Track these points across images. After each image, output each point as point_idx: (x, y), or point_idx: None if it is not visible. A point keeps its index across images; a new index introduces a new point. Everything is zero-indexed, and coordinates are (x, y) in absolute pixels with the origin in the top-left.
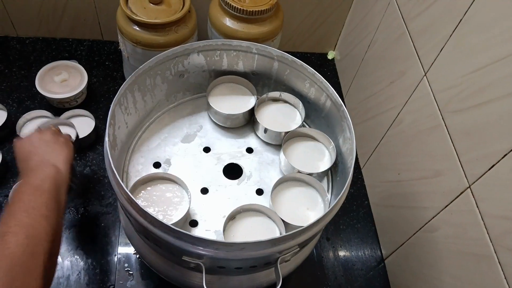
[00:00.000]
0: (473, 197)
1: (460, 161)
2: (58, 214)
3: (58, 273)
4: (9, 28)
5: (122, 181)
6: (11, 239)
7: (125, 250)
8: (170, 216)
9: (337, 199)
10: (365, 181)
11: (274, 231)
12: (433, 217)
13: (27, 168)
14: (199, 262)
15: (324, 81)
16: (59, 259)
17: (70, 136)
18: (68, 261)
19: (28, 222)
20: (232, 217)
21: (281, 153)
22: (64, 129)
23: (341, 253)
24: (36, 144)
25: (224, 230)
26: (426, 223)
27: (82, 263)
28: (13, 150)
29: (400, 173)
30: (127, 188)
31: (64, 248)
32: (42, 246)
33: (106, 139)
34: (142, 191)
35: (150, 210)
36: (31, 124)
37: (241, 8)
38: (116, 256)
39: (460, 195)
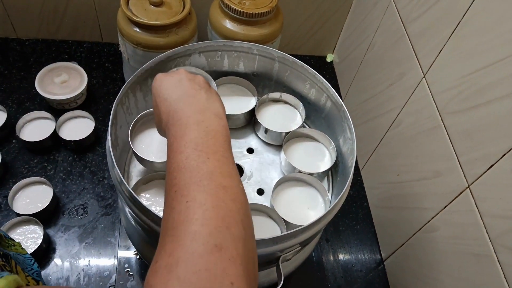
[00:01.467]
0: (473, 197)
1: (459, 162)
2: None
3: (57, 274)
4: (9, 30)
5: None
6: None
7: (125, 250)
8: None
9: (338, 198)
10: (364, 182)
11: (275, 230)
12: (433, 218)
13: (176, 112)
14: None
15: (325, 81)
16: (59, 261)
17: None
18: (68, 262)
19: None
20: None
21: (282, 153)
22: None
23: (341, 255)
24: (189, 84)
25: None
26: (426, 223)
27: (81, 264)
28: (153, 86)
29: (399, 174)
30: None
31: (63, 249)
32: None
33: (108, 138)
34: (144, 191)
35: (152, 209)
36: (31, 125)
37: (241, 10)
38: (116, 257)
39: (459, 195)
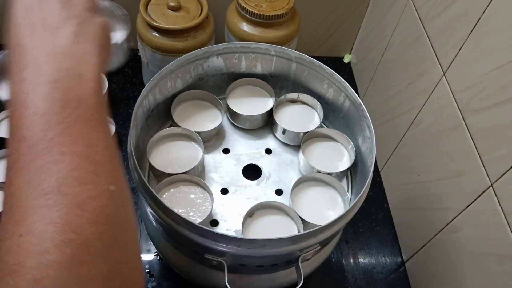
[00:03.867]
0: (496, 196)
1: (481, 160)
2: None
3: None
4: None
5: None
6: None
7: (145, 252)
8: (193, 217)
9: (358, 197)
10: (384, 183)
11: (292, 229)
12: (455, 218)
13: (24, 57)
14: (221, 260)
15: (343, 81)
16: None
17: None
18: None
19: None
20: (250, 214)
21: (300, 154)
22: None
23: (361, 257)
24: (55, 9)
25: (242, 227)
26: (447, 224)
27: None
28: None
29: (420, 174)
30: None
31: None
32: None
33: (130, 139)
34: (165, 193)
35: (174, 210)
36: None
37: (258, 13)
38: None
39: (482, 194)
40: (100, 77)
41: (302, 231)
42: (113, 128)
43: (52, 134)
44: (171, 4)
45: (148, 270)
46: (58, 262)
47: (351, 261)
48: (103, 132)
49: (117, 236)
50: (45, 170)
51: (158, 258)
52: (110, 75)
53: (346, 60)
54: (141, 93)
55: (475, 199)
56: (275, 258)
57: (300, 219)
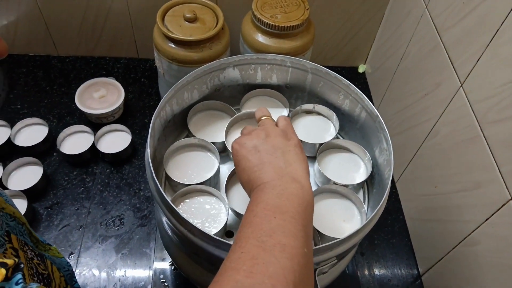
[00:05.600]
0: None
1: (500, 172)
2: (308, 248)
3: (94, 284)
4: (50, 48)
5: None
6: None
7: (160, 262)
8: (209, 228)
9: (375, 210)
10: (400, 195)
11: None
12: (473, 231)
13: (255, 180)
14: None
15: (359, 92)
16: (97, 271)
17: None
18: (105, 273)
19: (273, 261)
20: None
21: (316, 165)
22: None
23: (376, 269)
24: (265, 148)
25: None
26: (466, 237)
27: (118, 275)
28: (231, 153)
29: (437, 186)
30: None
31: (100, 260)
32: None
33: (148, 150)
34: (182, 203)
35: (190, 220)
36: (71, 138)
37: (273, 24)
38: (151, 268)
39: (502, 207)
40: (306, 179)
41: (319, 245)
42: (129, 138)
43: (269, 208)
44: (187, 15)
45: (162, 280)
46: (261, 273)
47: (366, 273)
48: (305, 213)
49: (303, 277)
50: (261, 225)
51: (172, 268)
52: (126, 85)
53: (360, 70)
54: (159, 104)
55: (495, 212)
56: None
57: (318, 233)
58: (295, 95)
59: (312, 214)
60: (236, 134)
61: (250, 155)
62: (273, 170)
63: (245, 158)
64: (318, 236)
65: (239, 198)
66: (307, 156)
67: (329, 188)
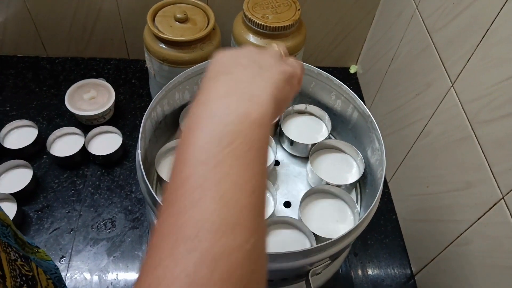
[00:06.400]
0: (508, 208)
1: (492, 172)
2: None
3: (89, 287)
4: (40, 49)
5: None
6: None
7: None
8: None
9: (368, 210)
10: (392, 195)
11: (304, 244)
12: (465, 230)
13: (211, 90)
14: None
15: (351, 92)
16: (88, 275)
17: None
18: (96, 276)
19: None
20: None
21: (308, 165)
22: None
23: (370, 269)
24: (243, 58)
25: None
26: (458, 236)
27: (110, 278)
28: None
29: (429, 186)
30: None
31: (91, 263)
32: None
33: (138, 151)
34: None
35: None
36: (61, 140)
37: (265, 24)
38: None
39: (493, 206)
40: (269, 114)
41: (314, 245)
42: (119, 139)
43: (200, 172)
44: (178, 16)
45: None
46: None
47: (360, 273)
48: (253, 171)
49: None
50: (186, 211)
51: None
52: (117, 87)
53: (352, 71)
54: (150, 105)
55: (487, 212)
56: (285, 272)
57: (312, 234)
58: None
59: (267, 148)
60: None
61: (223, 61)
62: (229, 82)
63: (212, 65)
64: (314, 237)
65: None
66: (298, 157)
67: (322, 189)
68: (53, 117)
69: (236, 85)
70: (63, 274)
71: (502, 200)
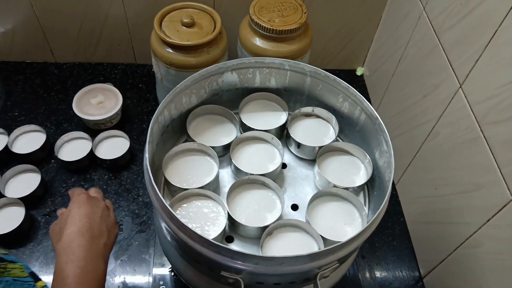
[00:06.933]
0: None
1: (501, 173)
2: None
3: None
4: (48, 55)
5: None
6: None
7: (160, 268)
8: (208, 231)
9: (377, 213)
10: (400, 197)
11: (312, 247)
12: (475, 232)
13: (73, 252)
14: (238, 278)
15: (359, 94)
16: None
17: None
18: None
19: None
20: (269, 233)
21: (316, 168)
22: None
23: (377, 272)
24: (97, 221)
25: (261, 246)
26: (467, 238)
27: (117, 282)
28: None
29: (437, 188)
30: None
31: None
32: None
33: (146, 155)
34: (179, 208)
35: (189, 226)
36: (69, 145)
37: (271, 27)
38: (151, 274)
39: (503, 208)
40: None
41: (322, 248)
42: (127, 144)
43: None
44: (184, 20)
45: (162, 286)
46: None
47: (368, 276)
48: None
49: None
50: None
51: (172, 274)
52: (124, 91)
53: (358, 73)
54: (157, 109)
55: (496, 213)
56: (293, 275)
57: (320, 237)
58: (294, 98)
59: None
60: (240, 152)
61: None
62: (88, 250)
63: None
64: (322, 239)
65: (241, 207)
66: (305, 159)
67: (330, 191)
68: (61, 122)
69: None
70: None
71: None
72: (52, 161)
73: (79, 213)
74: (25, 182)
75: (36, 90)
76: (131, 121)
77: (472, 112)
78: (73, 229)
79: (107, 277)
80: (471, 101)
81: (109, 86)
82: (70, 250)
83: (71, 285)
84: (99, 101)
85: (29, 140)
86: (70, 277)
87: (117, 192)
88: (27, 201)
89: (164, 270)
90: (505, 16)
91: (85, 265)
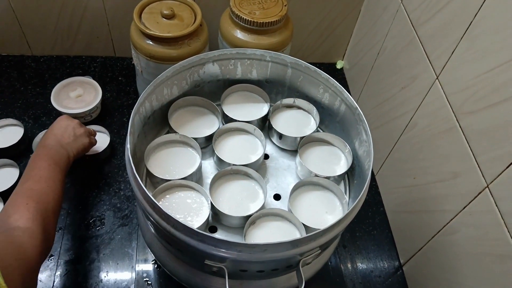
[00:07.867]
0: (492, 196)
1: (477, 162)
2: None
3: (78, 285)
4: (24, 48)
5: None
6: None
7: (143, 261)
8: (191, 222)
9: (357, 200)
10: (380, 187)
11: (294, 235)
12: (452, 219)
13: (54, 141)
14: (221, 266)
15: (339, 85)
16: (78, 273)
17: (94, 132)
18: (86, 274)
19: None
20: (252, 222)
21: (297, 158)
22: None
23: (358, 261)
24: (69, 130)
25: (244, 235)
26: (444, 226)
27: (100, 276)
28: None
29: (415, 177)
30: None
31: (82, 260)
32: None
33: (128, 146)
34: (162, 199)
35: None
36: None
37: (252, 20)
38: (134, 268)
39: (478, 195)
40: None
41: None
42: (107, 138)
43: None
44: (165, 12)
45: (146, 279)
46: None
47: (349, 265)
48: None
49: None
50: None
51: (156, 266)
52: (103, 84)
53: (338, 66)
54: (138, 100)
55: (472, 200)
56: (276, 262)
57: (302, 225)
58: (275, 90)
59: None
60: (222, 143)
61: (62, 128)
62: (64, 141)
63: (60, 129)
64: (304, 228)
65: (224, 197)
66: (287, 150)
67: (311, 181)
68: (39, 115)
69: (66, 145)
70: (52, 272)
71: (487, 188)
72: (31, 155)
73: (56, 123)
74: (3, 176)
75: (12, 83)
76: (111, 114)
77: (449, 102)
78: (48, 132)
79: (90, 271)
80: (448, 92)
81: (88, 79)
82: (41, 143)
83: (34, 157)
84: (78, 95)
85: (6, 134)
86: (35, 155)
87: (98, 186)
88: (6, 196)
89: (148, 263)
90: (479, 9)
91: (49, 150)
